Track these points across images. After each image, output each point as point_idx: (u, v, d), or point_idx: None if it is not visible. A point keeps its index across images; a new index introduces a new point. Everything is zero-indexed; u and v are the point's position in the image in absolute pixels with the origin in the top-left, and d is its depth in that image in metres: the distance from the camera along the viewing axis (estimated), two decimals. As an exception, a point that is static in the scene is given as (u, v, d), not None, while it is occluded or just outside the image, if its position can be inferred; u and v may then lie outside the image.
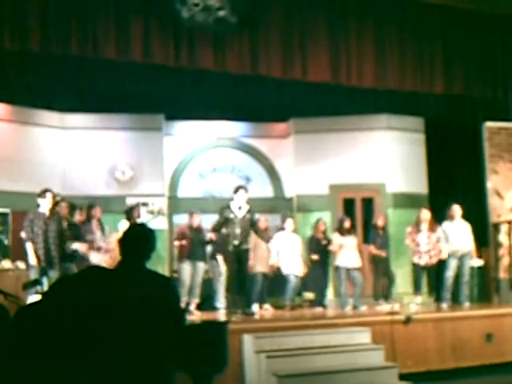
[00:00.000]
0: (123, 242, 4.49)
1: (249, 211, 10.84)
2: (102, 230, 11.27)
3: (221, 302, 11.95)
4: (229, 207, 10.81)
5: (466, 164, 13.83)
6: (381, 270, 12.81)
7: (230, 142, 15.46)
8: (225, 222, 10.79)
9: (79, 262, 10.54)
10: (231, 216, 10.72)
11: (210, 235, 11.65)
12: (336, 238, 12.21)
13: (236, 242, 10.68)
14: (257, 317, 10.79)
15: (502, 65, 12.62)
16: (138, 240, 4.46)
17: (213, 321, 9.79)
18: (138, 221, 11.47)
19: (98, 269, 5.16)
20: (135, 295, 4.23)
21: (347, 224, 12.27)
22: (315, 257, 12.40)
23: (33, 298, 7.23)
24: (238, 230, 10.69)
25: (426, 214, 12.21)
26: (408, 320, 10.13)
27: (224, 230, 10.94)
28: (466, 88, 12.61)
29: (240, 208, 10.77)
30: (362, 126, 14.98)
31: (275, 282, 12.53)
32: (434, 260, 12.02)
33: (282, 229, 12.63)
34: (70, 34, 10.03)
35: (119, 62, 10.60)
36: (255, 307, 11.66)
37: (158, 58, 10.68)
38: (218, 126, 15.34)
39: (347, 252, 12.05)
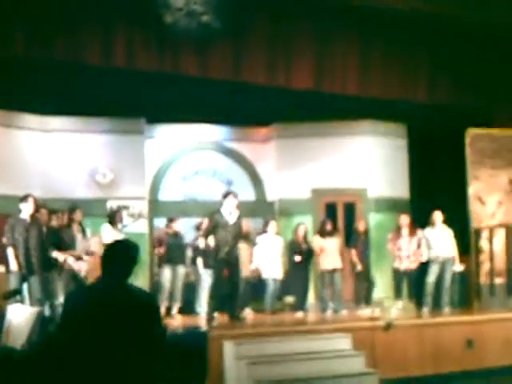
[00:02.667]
0: (105, 259, 4.48)
1: (239, 217, 10.81)
2: (83, 233, 11.24)
3: (202, 306, 11.92)
4: (219, 212, 10.75)
5: (448, 170, 13.88)
6: (361, 274, 12.83)
7: (211, 145, 15.42)
8: (215, 227, 10.74)
9: (60, 269, 10.52)
10: (222, 222, 10.67)
11: (202, 241, 11.58)
12: (317, 241, 12.23)
13: (227, 249, 10.64)
14: (239, 323, 10.76)
15: (486, 73, 12.65)
16: (119, 258, 4.45)
17: (193, 330, 9.75)
18: (120, 225, 11.46)
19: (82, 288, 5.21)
20: (113, 310, 4.23)
21: (328, 226, 12.29)
22: (298, 258, 12.38)
23: (13, 306, 7.17)
24: (229, 236, 10.65)
25: (405, 219, 12.30)
26: (389, 326, 10.13)
27: (215, 236, 10.86)
28: (450, 97, 12.65)
29: (230, 214, 10.73)
30: (344, 130, 14.99)
31: (256, 286, 12.52)
32: (414, 265, 12.08)
33: (264, 232, 12.62)
34: (53, 39, 9.99)
35: (103, 67, 10.55)
36: (246, 312, 11.66)
37: (141, 63, 10.65)
38: (200, 130, 15.29)
39: (329, 254, 12.09)
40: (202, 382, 6.54)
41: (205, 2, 10.49)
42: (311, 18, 11.51)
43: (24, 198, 10.13)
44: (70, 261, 10.61)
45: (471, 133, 12.98)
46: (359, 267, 12.64)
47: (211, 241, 11.03)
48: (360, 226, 13.08)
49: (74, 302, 4.37)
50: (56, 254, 10.47)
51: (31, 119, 13.86)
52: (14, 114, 13.58)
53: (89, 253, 11.09)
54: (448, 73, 12.44)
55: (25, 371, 4.66)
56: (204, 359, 6.64)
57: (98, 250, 11.07)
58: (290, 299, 12.99)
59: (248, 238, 12.57)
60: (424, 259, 11.99)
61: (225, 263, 10.75)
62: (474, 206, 13.00)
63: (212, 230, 10.78)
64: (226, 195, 10.88)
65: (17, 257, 9.83)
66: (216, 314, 10.78)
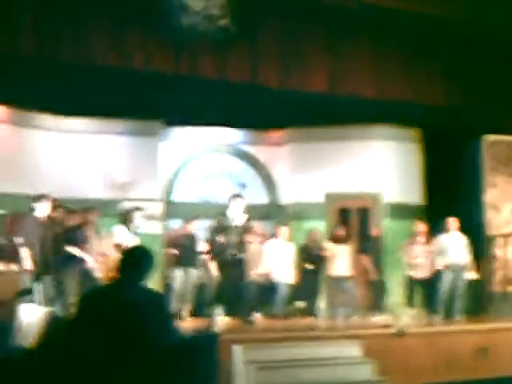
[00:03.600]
0: (122, 264, 4.60)
1: (247, 220, 10.80)
2: (98, 233, 11.25)
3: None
4: (225, 215, 10.77)
5: (463, 176, 13.80)
6: (374, 281, 12.78)
7: (226, 148, 15.45)
8: (221, 229, 10.75)
9: (74, 267, 10.53)
10: (227, 224, 10.68)
11: (204, 245, 11.64)
12: (329, 246, 12.19)
13: (233, 251, 10.64)
14: (249, 327, 10.74)
15: (503, 78, 12.56)
16: (136, 265, 4.57)
17: (204, 333, 9.72)
18: (133, 225, 11.46)
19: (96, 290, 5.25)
20: (125, 313, 4.25)
21: (341, 232, 12.25)
22: (310, 266, 12.37)
23: (25, 306, 7.19)
24: (234, 239, 10.65)
25: (421, 227, 12.22)
26: (401, 334, 10.09)
27: (220, 239, 10.87)
28: (465, 101, 12.55)
29: (236, 216, 10.73)
30: (359, 135, 14.94)
31: (266, 290, 12.49)
32: (428, 273, 12.02)
33: (274, 236, 12.60)
34: (68, 40, 10.01)
35: (120, 69, 10.57)
36: (255, 316, 11.65)
37: (157, 66, 10.66)
38: (215, 133, 15.31)
39: (340, 261, 12.05)
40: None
41: (222, 6, 10.49)
42: (325, 22, 11.49)
43: (40, 198, 10.14)
44: (85, 257, 10.62)
45: (488, 139, 12.92)
46: (371, 276, 12.58)
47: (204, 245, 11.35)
48: (374, 231, 13.03)
49: (89, 303, 4.43)
50: (71, 249, 10.45)
51: (47, 119, 13.91)
52: (31, 113, 13.64)
53: (102, 253, 11.10)
54: (464, 76, 12.36)
55: (35, 371, 4.65)
56: (214, 362, 6.60)
57: (110, 251, 11.08)
58: (300, 304, 12.97)
59: (261, 241, 12.57)
60: (439, 267, 11.91)
61: (230, 266, 10.74)
62: (489, 213, 12.93)
63: (215, 232, 10.80)
64: (232, 197, 10.89)
65: (31, 256, 9.83)
66: (219, 318, 10.79)
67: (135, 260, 4.59)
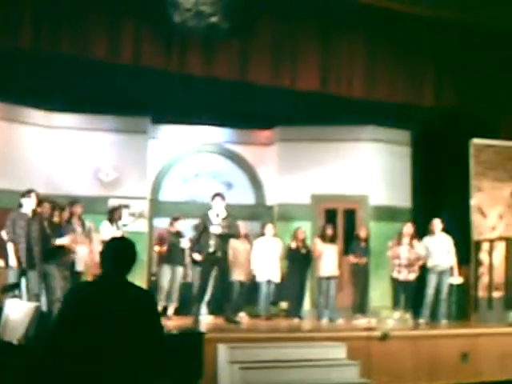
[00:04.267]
0: (104, 255, 4.49)
1: (225, 218, 10.79)
2: (83, 227, 11.26)
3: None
4: (207, 215, 10.79)
5: (450, 180, 13.80)
6: (360, 282, 12.78)
7: (213, 147, 15.45)
8: (203, 230, 10.78)
9: (60, 262, 10.50)
10: (209, 223, 10.69)
11: (187, 243, 11.68)
12: (318, 244, 12.18)
13: (211, 250, 10.65)
14: (233, 326, 10.73)
15: (495, 79, 12.59)
16: (119, 256, 4.44)
17: (189, 331, 9.72)
18: (120, 223, 11.45)
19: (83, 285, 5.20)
20: (114, 307, 4.21)
21: (329, 231, 12.25)
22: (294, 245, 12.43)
23: (10, 301, 7.15)
24: (213, 238, 10.65)
25: (409, 229, 12.22)
26: (385, 336, 10.10)
27: (202, 237, 10.91)
28: (456, 102, 12.57)
29: (218, 215, 10.74)
30: (347, 136, 14.95)
31: (251, 290, 12.50)
32: (412, 276, 12.04)
33: (262, 234, 12.60)
34: (60, 34, 9.97)
35: (109, 63, 10.53)
36: (240, 316, 11.64)
37: (147, 61, 10.64)
38: (203, 131, 15.31)
39: (327, 260, 12.04)
40: (196, 381, 6.53)
41: (213, 3, 10.48)
42: (317, 20, 11.50)
43: (26, 193, 10.09)
44: (74, 247, 10.62)
45: (475, 144, 12.94)
46: (363, 260, 12.56)
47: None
48: (361, 232, 13.04)
49: (74, 298, 4.34)
50: (60, 241, 10.41)
51: (36, 115, 13.88)
52: (20, 109, 13.61)
53: (90, 248, 11.13)
54: (454, 77, 12.39)
55: (22, 367, 4.61)
56: (199, 360, 6.62)
57: (97, 247, 11.08)
58: (284, 305, 12.97)
59: (246, 240, 12.58)
60: (425, 267, 11.96)
61: (211, 264, 10.75)
62: (475, 218, 12.96)
63: (201, 232, 10.84)
64: (213, 197, 10.90)
65: (16, 252, 9.78)
66: (202, 317, 10.79)
67: (119, 251, 4.46)
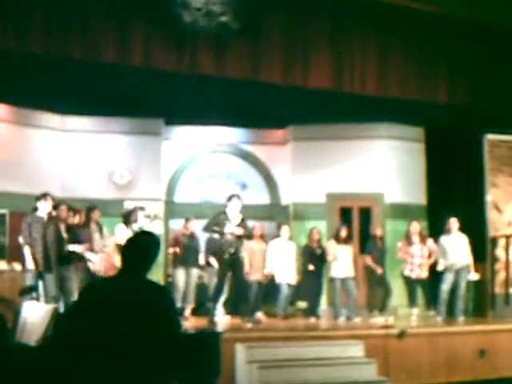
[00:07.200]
0: (125, 250, 4.45)
1: (242, 220, 10.80)
2: (101, 232, 11.26)
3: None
4: (225, 214, 10.77)
5: (465, 176, 13.76)
6: (376, 280, 12.75)
7: (227, 147, 15.46)
8: (214, 225, 10.77)
9: (76, 265, 10.54)
10: (226, 223, 10.68)
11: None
12: (332, 246, 12.15)
13: (232, 250, 10.64)
14: (251, 326, 10.73)
15: (507, 76, 12.53)
16: (140, 250, 4.40)
17: (207, 330, 9.74)
18: (135, 225, 11.46)
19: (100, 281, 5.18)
20: (132, 303, 4.19)
21: (344, 233, 12.21)
22: (311, 267, 12.36)
23: (28, 304, 7.17)
24: (232, 238, 10.65)
25: (415, 227, 12.20)
26: (402, 334, 10.08)
27: (219, 238, 10.90)
28: (469, 99, 12.50)
29: (234, 216, 10.74)
30: (361, 134, 14.91)
31: (268, 289, 12.49)
32: (425, 274, 12.01)
33: (278, 236, 12.59)
34: (71, 38, 9.94)
35: (120, 65, 10.54)
36: (258, 315, 11.63)
37: (159, 63, 10.61)
38: (217, 132, 15.33)
39: (342, 261, 12.01)
40: (214, 381, 6.51)
41: (223, 2, 10.47)
42: (329, 18, 11.43)
43: (42, 197, 10.14)
44: (88, 255, 10.63)
45: (489, 139, 12.90)
46: (379, 271, 12.51)
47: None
48: (377, 231, 13.00)
49: (88, 294, 4.34)
50: (73, 247, 10.45)
51: (51, 119, 13.96)
52: (34, 113, 13.69)
53: (104, 252, 11.13)
54: (468, 74, 12.32)
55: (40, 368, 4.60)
56: (217, 360, 6.61)
57: (112, 250, 11.11)
58: (302, 304, 12.95)
59: (262, 240, 12.57)
60: (440, 268, 11.90)
61: (228, 265, 10.76)
62: (490, 214, 12.91)
63: (212, 225, 10.81)
64: (230, 198, 10.90)
65: (33, 255, 9.83)
66: (219, 318, 10.79)
67: (142, 246, 4.42)
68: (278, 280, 12.27)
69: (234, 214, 10.74)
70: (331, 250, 12.12)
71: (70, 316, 4.29)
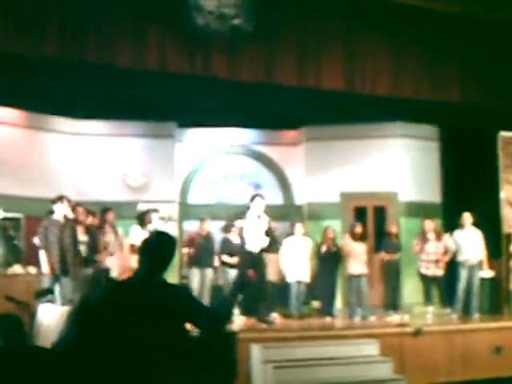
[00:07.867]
0: (142, 250, 4.43)
1: (269, 221, 10.82)
2: (116, 233, 11.33)
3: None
4: (245, 214, 10.78)
5: (480, 173, 13.73)
6: (392, 279, 12.75)
7: (240, 149, 15.52)
8: (229, 228, 10.79)
9: (93, 266, 10.61)
10: (247, 224, 10.68)
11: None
12: (348, 242, 12.17)
13: (256, 250, 10.64)
14: (267, 326, 10.74)
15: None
16: (157, 250, 4.39)
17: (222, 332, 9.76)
18: (150, 226, 11.51)
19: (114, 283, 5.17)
20: (149, 304, 4.18)
21: (359, 229, 12.23)
22: (324, 248, 12.33)
23: (44, 306, 7.24)
24: (255, 238, 10.65)
25: (429, 225, 12.23)
26: (417, 332, 10.09)
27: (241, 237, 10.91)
28: (482, 97, 12.48)
29: (259, 217, 10.72)
30: (374, 133, 14.93)
31: (282, 290, 12.51)
32: (440, 271, 12.01)
33: (292, 234, 12.61)
34: (85, 41, 9.99)
35: (134, 69, 10.59)
36: (273, 316, 11.64)
37: (172, 66, 10.65)
38: (230, 133, 15.39)
39: (356, 259, 12.03)
40: (231, 381, 6.55)
41: (236, 5, 10.49)
42: (341, 19, 11.43)
43: (58, 199, 10.18)
44: (108, 262, 10.71)
45: (503, 136, 12.88)
46: (395, 256, 12.52)
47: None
48: (393, 229, 13.02)
49: (102, 296, 4.33)
50: (91, 256, 10.53)
51: (64, 123, 14.05)
52: (48, 117, 13.79)
53: (120, 254, 11.20)
54: (480, 73, 12.30)
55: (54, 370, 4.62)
56: (234, 360, 6.65)
57: (127, 251, 11.18)
58: (316, 304, 12.96)
59: (277, 241, 12.57)
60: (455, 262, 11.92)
61: (250, 265, 10.78)
62: (505, 211, 12.89)
63: (224, 230, 10.83)
64: (253, 198, 10.90)
65: (49, 259, 9.88)
66: (234, 318, 10.80)
67: (159, 246, 4.40)
68: (289, 279, 12.28)
69: (258, 213, 10.72)
70: (347, 246, 12.14)
71: (86, 317, 4.30)
